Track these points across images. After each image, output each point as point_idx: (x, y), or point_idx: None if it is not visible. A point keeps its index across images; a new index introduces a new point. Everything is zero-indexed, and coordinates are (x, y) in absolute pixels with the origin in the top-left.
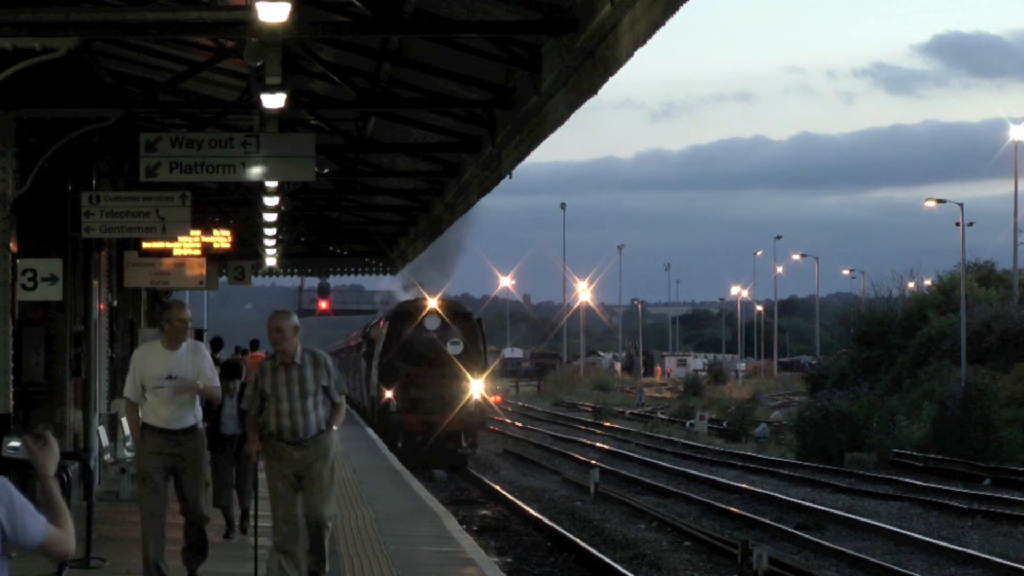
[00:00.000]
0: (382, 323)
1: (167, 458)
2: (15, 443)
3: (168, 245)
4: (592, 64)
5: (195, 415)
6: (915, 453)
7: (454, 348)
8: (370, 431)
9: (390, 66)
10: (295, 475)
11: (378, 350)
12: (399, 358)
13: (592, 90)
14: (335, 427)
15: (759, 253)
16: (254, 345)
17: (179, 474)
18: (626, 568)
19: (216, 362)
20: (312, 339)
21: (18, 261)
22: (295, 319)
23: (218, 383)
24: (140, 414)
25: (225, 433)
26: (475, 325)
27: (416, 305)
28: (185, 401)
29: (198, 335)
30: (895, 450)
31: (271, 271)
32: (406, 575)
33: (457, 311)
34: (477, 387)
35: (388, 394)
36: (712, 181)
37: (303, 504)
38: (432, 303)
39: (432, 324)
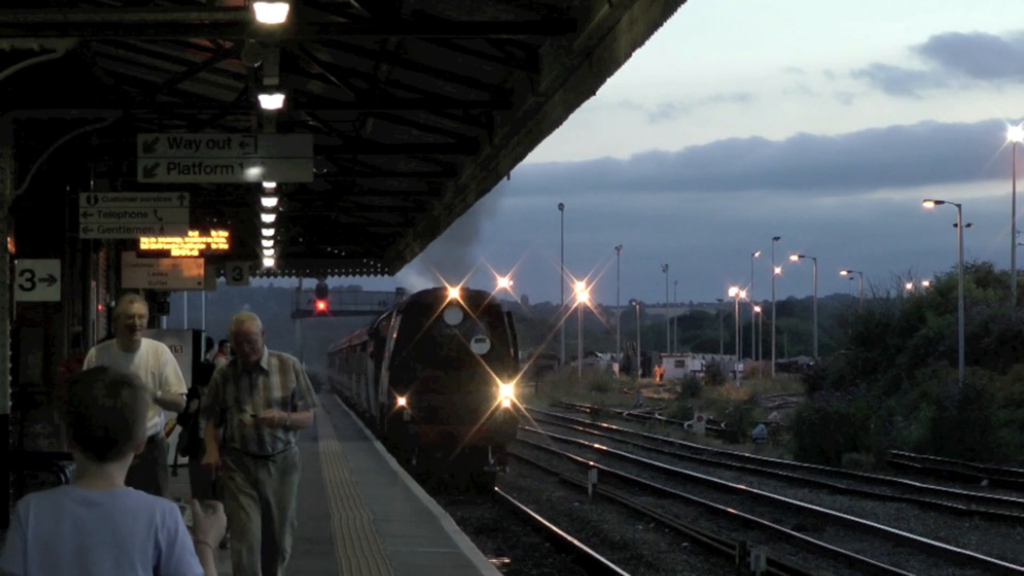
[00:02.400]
0: (394, 317)
1: None
2: (182, 504)
3: (166, 246)
4: (590, 65)
5: (154, 423)
6: (913, 454)
7: (480, 346)
8: (379, 445)
9: (388, 67)
10: (260, 494)
11: (389, 349)
12: (414, 358)
13: (590, 91)
14: (295, 437)
15: (757, 254)
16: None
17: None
18: (624, 569)
19: (207, 363)
20: (310, 341)
21: (16, 262)
22: (260, 322)
23: (183, 389)
24: None
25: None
26: (504, 319)
27: (434, 295)
28: None
29: (197, 338)
30: (893, 451)
31: (269, 272)
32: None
33: (483, 302)
34: (507, 393)
35: (401, 401)
36: (710, 182)
37: (263, 530)
38: (453, 293)
39: (453, 318)
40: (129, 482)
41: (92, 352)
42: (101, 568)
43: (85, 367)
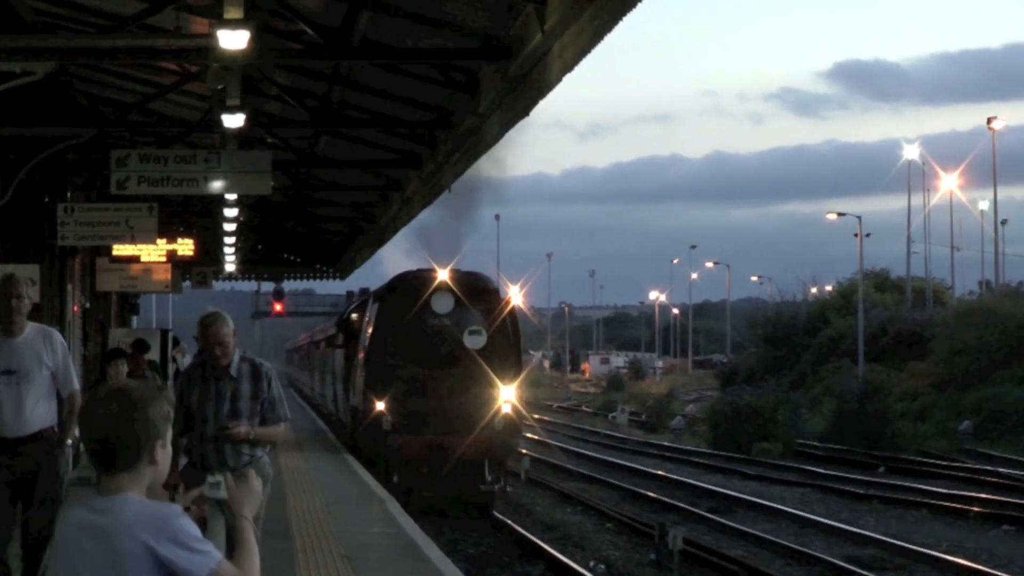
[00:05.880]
0: (369, 305)
1: (5, 472)
2: (216, 478)
3: (136, 252)
4: (525, 88)
5: (50, 417)
6: (817, 443)
7: (475, 340)
8: (350, 458)
9: (340, 89)
10: (222, 511)
11: (364, 343)
12: (395, 354)
13: (524, 112)
14: (263, 450)
15: (676, 261)
16: (141, 347)
17: (21, 493)
18: (554, 548)
19: (154, 365)
20: (268, 339)
21: None
22: (231, 321)
23: (76, 385)
24: None
25: None
26: (504, 307)
27: (419, 278)
28: (29, 402)
29: (164, 336)
30: (799, 441)
31: (230, 276)
32: (353, 553)
33: (478, 286)
34: (508, 396)
35: (379, 406)
36: (633, 195)
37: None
38: (442, 275)
39: (443, 305)
40: (22, 483)
41: None
42: (96, 573)
43: None
